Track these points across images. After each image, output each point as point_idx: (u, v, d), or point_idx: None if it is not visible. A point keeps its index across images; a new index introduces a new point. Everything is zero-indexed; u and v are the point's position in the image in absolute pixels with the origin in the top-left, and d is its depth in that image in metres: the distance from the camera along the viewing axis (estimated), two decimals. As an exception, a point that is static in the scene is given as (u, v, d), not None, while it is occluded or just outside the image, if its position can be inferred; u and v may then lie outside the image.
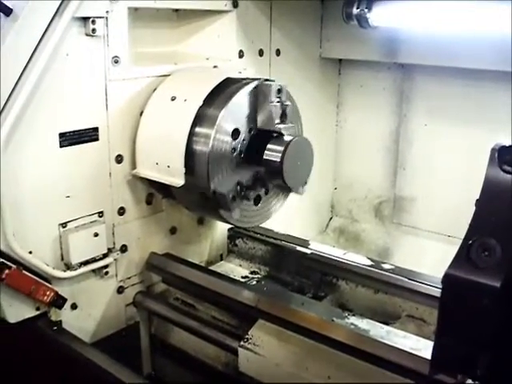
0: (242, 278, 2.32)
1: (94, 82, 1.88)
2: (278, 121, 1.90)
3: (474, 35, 2.36)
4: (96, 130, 1.92)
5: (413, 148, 2.92)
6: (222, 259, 2.52)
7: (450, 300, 1.04)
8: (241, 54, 2.39)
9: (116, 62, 1.92)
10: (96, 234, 1.95)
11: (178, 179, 1.87)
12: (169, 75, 2.06)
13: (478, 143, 2.66)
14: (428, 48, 2.56)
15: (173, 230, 2.29)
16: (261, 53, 2.51)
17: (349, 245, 3.17)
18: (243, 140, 1.91)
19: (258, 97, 1.90)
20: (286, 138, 1.90)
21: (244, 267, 2.41)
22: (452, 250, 2.80)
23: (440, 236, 2.90)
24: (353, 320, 1.71)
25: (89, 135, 1.90)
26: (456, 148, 2.76)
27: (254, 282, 2.28)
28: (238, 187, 1.88)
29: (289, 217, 2.36)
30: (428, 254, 2.91)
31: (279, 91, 1.90)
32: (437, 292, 1.93)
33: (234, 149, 1.89)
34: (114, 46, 1.90)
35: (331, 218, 3.32)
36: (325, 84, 3.01)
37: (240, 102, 1.88)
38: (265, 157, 1.91)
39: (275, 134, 1.92)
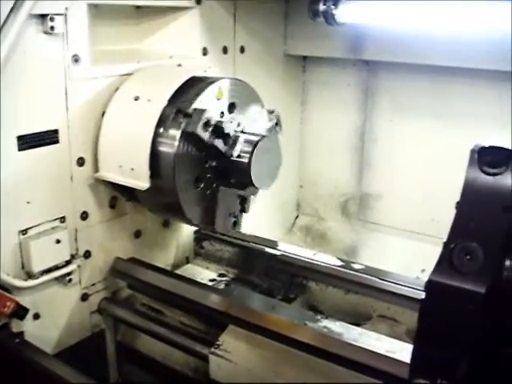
0: (210, 281, 2.28)
1: (53, 81, 1.80)
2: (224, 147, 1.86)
3: (438, 32, 2.35)
4: (56, 132, 1.84)
5: (378, 145, 2.91)
6: (188, 262, 2.47)
7: (432, 305, 1.01)
8: (205, 52, 2.33)
9: (76, 60, 1.84)
10: (58, 241, 1.87)
11: (142, 182, 1.81)
12: (131, 74, 1.99)
13: (442, 139, 2.70)
14: (393, 45, 2.55)
15: (137, 234, 2.22)
16: (225, 50, 2.46)
17: (315, 244, 3.15)
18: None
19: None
20: (253, 137, 1.86)
21: (211, 270, 2.36)
22: (418, 247, 2.88)
23: (406, 233, 2.90)
24: (325, 323, 1.68)
25: (48, 137, 1.82)
26: (420, 144, 2.77)
27: (223, 286, 2.24)
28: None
29: (254, 216, 2.31)
30: (395, 251, 2.91)
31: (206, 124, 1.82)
32: (408, 291, 1.94)
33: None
34: (74, 45, 1.82)
35: (297, 217, 3.29)
36: (289, 81, 2.97)
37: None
38: (232, 158, 1.86)
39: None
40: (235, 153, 1.84)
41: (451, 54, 2.39)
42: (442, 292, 1.00)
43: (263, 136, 1.85)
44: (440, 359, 1.07)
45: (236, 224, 1.99)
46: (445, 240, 1.15)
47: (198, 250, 2.42)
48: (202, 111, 1.77)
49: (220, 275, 2.32)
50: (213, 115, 1.80)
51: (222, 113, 1.90)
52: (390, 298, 1.96)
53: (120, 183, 1.88)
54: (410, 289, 1.95)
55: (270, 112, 2.00)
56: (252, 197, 2.03)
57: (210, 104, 1.83)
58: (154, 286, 1.96)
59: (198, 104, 1.81)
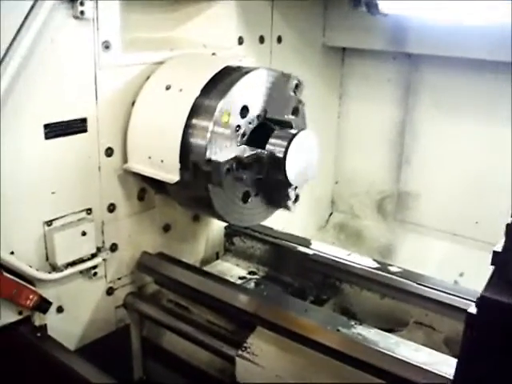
0: (240, 278, 2.20)
1: (82, 69, 1.74)
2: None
3: (487, 24, 2.22)
4: (84, 120, 1.78)
5: (418, 141, 2.80)
6: (218, 258, 2.39)
7: (483, 323, 0.91)
8: (240, 41, 2.25)
9: (106, 47, 1.77)
10: (84, 233, 1.82)
11: (172, 175, 1.74)
12: (163, 62, 1.92)
13: (488, 138, 2.58)
14: (437, 37, 2.43)
15: (166, 228, 2.15)
16: (261, 40, 2.37)
17: (349, 242, 3.05)
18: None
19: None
20: (289, 131, 1.77)
21: (241, 267, 2.28)
22: (458, 249, 2.75)
23: (445, 234, 2.79)
24: (359, 329, 1.59)
25: (76, 126, 1.76)
26: (464, 142, 2.65)
27: (253, 284, 2.16)
28: (234, 164, 1.73)
29: (287, 212, 2.22)
30: (433, 253, 2.81)
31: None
32: (448, 298, 1.83)
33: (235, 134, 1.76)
34: (105, 30, 1.75)
35: (331, 214, 3.19)
36: (327, 74, 2.87)
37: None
38: (267, 151, 1.77)
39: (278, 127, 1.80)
40: (270, 147, 1.76)
41: (499, 48, 2.24)
42: (496, 310, 0.89)
43: (299, 131, 1.75)
44: (488, 380, 0.97)
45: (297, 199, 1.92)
46: (497, 248, 1.03)
47: (229, 246, 2.34)
48: (218, 165, 1.68)
49: (250, 273, 2.24)
50: (228, 158, 1.70)
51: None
52: (428, 305, 1.85)
53: (149, 175, 1.81)
54: (450, 295, 1.83)
55: (286, 75, 1.87)
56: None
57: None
58: (181, 283, 1.89)
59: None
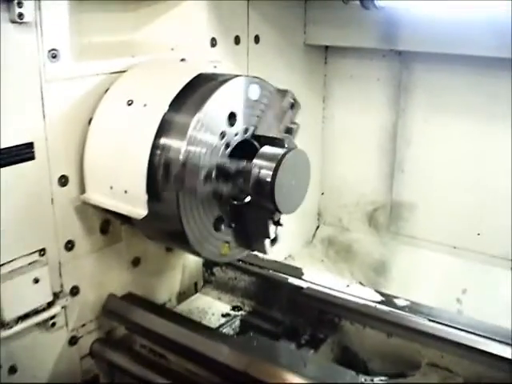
0: (223, 316, 1.92)
1: (24, 83, 1.43)
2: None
3: (486, 18, 1.99)
4: (30, 145, 1.47)
5: (412, 147, 2.54)
6: (196, 289, 2.11)
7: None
8: (213, 43, 1.96)
9: (54, 56, 1.47)
10: (36, 280, 1.52)
11: (138, 209, 1.45)
12: (124, 71, 1.62)
13: (488, 142, 2.33)
14: (431, 33, 2.17)
15: (136, 262, 1.86)
16: (237, 40, 2.08)
17: (339, 258, 2.79)
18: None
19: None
20: (278, 150, 1.49)
21: (224, 301, 2.00)
22: (459, 263, 2.51)
23: (445, 247, 2.54)
24: (371, 387, 1.33)
25: (21, 153, 1.46)
26: (463, 147, 2.40)
27: (238, 322, 1.88)
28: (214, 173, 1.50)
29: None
30: (432, 268, 2.56)
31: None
32: (466, 339, 1.57)
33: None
34: (51, 36, 1.45)
35: (318, 227, 2.93)
36: (309, 74, 2.60)
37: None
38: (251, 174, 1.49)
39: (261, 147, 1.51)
40: (255, 170, 1.47)
41: (499, 44, 2.00)
42: None
43: (288, 150, 1.47)
44: None
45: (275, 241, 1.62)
46: None
47: (208, 276, 2.06)
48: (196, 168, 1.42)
49: (234, 308, 1.96)
50: (209, 162, 1.46)
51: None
52: (444, 345, 1.59)
53: (111, 209, 1.52)
54: (469, 334, 1.58)
55: (282, 91, 1.61)
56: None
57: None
58: (155, 332, 1.60)
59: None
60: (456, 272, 2.50)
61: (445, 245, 2.54)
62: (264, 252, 1.62)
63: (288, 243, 2.74)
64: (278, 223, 1.59)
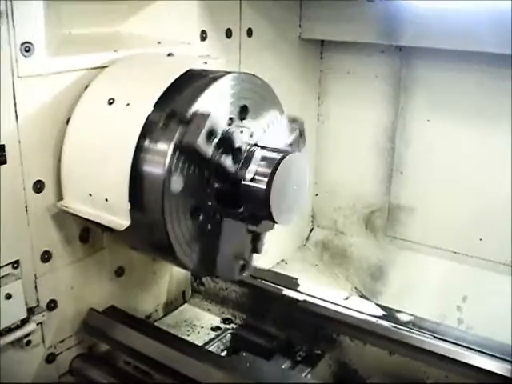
0: (212, 329, 1.80)
1: (-6, 80, 1.30)
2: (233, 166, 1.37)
3: (490, 12, 1.88)
4: (2, 148, 1.33)
5: (412, 148, 2.42)
6: (184, 299, 1.98)
7: None
8: (203, 36, 1.83)
9: (27, 50, 1.33)
10: (8, 296, 1.38)
11: (120, 218, 1.32)
12: (106, 67, 1.49)
13: (491, 144, 2.21)
14: (433, 27, 2.05)
15: (119, 272, 1.73)
16: (229, 34, 1.95)
17: (334, 262, 2.67)
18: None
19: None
20: (274, 154, 1.36)
21: (214, 313, 1.87)
22: (459, 269, 2.39)
23: (443, 252, 2.43)
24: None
25: (-9, 157, 1.32)
26: (464, 149, 2.29)
27: (228, 336, 1.76)
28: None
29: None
30: (430, 274, 2.45)
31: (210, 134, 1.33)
32: (473, 358, 1.46)
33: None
34: (23, 28, 1.31)
35: (312, 230, 2.80)
36: (304, 70, 2.47)
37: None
38: (244, 182, 1.37)
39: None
40: (248, 175, 1.35)
41: (504, 41, 1.88)
42: None
43: (287, 153, 1.34)
44: None
45: (244, 268, 1.49)
46: None
47: (197, 286, 1.93)
48: (205, 116, 1.27)
49: (225, 321, 1.84)
50: (219, 122, 1.31)
51: (231, 119, 1.39)
52: (449, 364, 1.48)
53: (90, 218, 1.38)
54: (478, 352, 1.47)
55: (292, 120, 1.51)
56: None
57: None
58: (138, 352, 1.47)
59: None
60: (456, 278, 2.39)
61: (444, 250, 2.43)
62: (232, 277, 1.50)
63: (280, 247, 2.62)
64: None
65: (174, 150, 1.28)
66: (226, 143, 1.35)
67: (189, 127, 1.28)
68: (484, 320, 2.14)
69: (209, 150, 1.31)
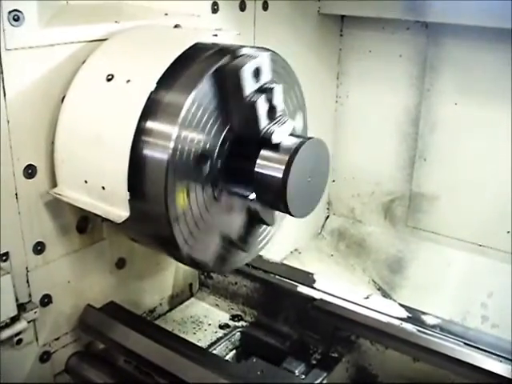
0: (221, 327, 1.67)
1: (-22, 52, 1.16)
2: (265, 120, 1.22)
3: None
4: (-13, 129, 1.20)
5: (437, 133, 2.26)
6: (191, 292, 1.86)
7: None
8: (215, 8, 1.68)
9: (16, 19, 1.18)
10: (-5, 292, 1.26)
11: (118, 209, 1.18)
12: (106, 40, 1.34)
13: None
14: (463, 2, 1.90)
15: (120, 264, 1.60)
16: (242, 6, 1.80)
17: (351, 252, 2.54)
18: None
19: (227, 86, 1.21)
20: (291, 141, 1.22)
21: (222, 308, 1.74)
22: (485, 263, 2.24)
23: (468, 244, 2.29)
24: None
25: (-24, 138, 1.19)
26: (493, 135, 2.13)
27: (238, 335, 1.63)
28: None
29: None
30: (454, 267, 2.31)
31: (256, 72, 1.20)
32: (505, 369, 1.32)
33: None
34: (12, -6, 1.17)
35: (327, 218, 2.66)
36: (323, 48, 2.32)
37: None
38: (257, 169, 1.23)
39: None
40: (276, 138, 1.21)
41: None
42: None
43: (307, 139, 1.20)
44: None
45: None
46: None
47: (205, 279, 1.80)
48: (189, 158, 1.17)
49: (234, 317, 1.71)
50: (206, 151, 1.22)
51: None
52: (480, 375, 1.34)
53: (85, 208, 1.25)
54: (509, 362, 1.33)
55: None
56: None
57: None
58: (137, 354, 1.34)
59: (189, 115, 1.16)
60: (481, 273, 2.25)
61: (469, 242, 2.28)
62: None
63: (294, 235, 2.49)
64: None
65: (179, 131, 1.14)
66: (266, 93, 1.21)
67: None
68: (510, 318, 2.00)
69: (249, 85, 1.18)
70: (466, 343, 1.38)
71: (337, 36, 2.38)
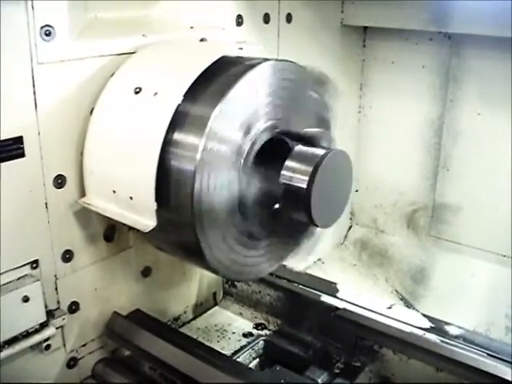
0: (244, 336, 1.68)
1: (12, 66, 1.19)
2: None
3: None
4: (19, 140, 1.24)
5: (460, 143, 2.26)
6: (215, 300, 1.88)
7: None
8: (239, 21, 1.71)
9: (48, 34, 1.23)
10: (26, 299, 1.29)
11: (145, 219, 1.21)
12: (133, 53, 1.38)
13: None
14: (487, 13, 1.89)
15: (146, 272, 1.63)
16: (266, 19, 1.83)
17: (373, 262, 2.53)
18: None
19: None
20: (315, 150, 1.24)
21: (246, 317, 1.76)
22: (506, 274, 2.24)
23: (491, 255, 2.27)
24: None
25: (8, 149, 1.22)
26: (517, 145, 2.12)
27: (261, 344, 1.64)
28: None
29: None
30: (477, 279, 2.29)
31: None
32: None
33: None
34: (44, 10, 1.21)
35: (350, 227, 2.67)
36: (346, 59, 2.33)
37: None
38: (282, 180, 1.25)
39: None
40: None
41: None
42: None
43: (328, 150, 1.22)
44: None
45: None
46: None
47: (229, 288, 1.82)
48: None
49: (257, 326, 1.72)
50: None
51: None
52: (506, 384, 1.34)
53: (113, 218, 1.28)
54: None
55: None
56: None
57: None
58: (163, 362, 1.36)
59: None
60: (505, 284, 2.23)
61: (493, 253, 2.27)
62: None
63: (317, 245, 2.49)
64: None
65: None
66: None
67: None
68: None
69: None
70: (489, 354, 1.38)
71: (360, 47, 2.40)
